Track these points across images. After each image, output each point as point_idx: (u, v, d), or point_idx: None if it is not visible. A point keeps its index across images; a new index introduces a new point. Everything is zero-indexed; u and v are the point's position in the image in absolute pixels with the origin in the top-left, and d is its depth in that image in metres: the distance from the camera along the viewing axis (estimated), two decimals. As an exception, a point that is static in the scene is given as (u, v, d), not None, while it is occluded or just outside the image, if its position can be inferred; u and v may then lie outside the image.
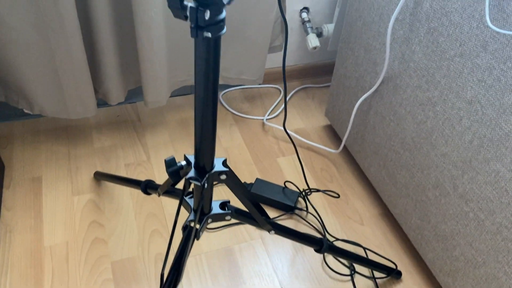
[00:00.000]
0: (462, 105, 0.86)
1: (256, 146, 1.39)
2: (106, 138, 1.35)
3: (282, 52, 1.50)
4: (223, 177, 0.72)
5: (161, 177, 1.26)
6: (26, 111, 1.23)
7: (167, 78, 1.26)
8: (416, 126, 1.00)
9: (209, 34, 0.52)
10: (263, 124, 1.47)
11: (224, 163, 0.72)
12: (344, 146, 1.32)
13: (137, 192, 1.20)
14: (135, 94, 1.43)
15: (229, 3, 0.49)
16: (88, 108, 1.22)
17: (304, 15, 1.46)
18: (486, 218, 0.85)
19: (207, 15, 0.50)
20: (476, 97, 0.82)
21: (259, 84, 1.52)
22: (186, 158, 0.72)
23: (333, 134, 1.45)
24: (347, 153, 1.36)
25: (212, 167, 0.71)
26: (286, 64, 1.61)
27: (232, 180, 0.73)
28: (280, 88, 1.61)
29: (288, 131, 1.16)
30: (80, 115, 1.22)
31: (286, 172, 1.31)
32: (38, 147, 1.30)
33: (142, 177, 1.25)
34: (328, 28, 1.47)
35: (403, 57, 0.99)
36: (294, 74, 1.64)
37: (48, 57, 1.10)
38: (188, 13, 0.50)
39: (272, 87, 1.62)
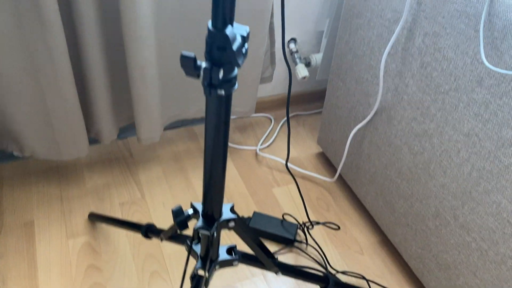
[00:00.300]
0: (460, 137, 0.87)
1: (251, 177, 1.38)
2: (99, 177, 1.33)
3: (271, 83, 1.51)
4: (232, 224, 0.71)
5: (156, 215, 1.24)
6: (16, 154, 1.20)
7: (160, 114, 1.25)
8: (412, 157, 1.01)
9: (223, 92, 0.52)
10: (256, 154, 1.47)
11: (232, 209, 0.72)
12: (339, 174, 1.32)
13: (134, 232, 1.17)
14: (126, 129, 1.42)
15: (243, 62, 0.49)
16: (81, 149, 1.20)
17: (292, 45, 1.48)
18: (489, 248, 0.86)
19: (221, 74, 0.50)
20: (473, 130, 0.84)
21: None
22: (193, 206, 0.71)
23: (326, 161, 1.46)
24: (342, 182, 1.37)
25: (220, 215, 0.70)
26: (276, 92, 1.62)
27: (240, 227, 0.72)
28: (271, 117, 1.62)
29: (288, 164, 1.16)
30: (73, 156, 1.20)
31: (283, 203, 1.31)
32: (28, 189, 1.27)
33: (138, 216, 1.23)
34: (316, 58, 1.49)
35: (396, 90, 1.01)
36: (284, 102, 1.65)
37: (39, 100, 1.08)
38: (201, 73, 0.50)
39: (263, 116, 1.62)
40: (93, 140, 1.28)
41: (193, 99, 1.33)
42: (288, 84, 1.60)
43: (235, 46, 0.47)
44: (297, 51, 1.48)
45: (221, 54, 0.49)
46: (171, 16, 1.11)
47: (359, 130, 1.18)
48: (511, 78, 0.74)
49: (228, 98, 0.55)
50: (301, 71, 1.45)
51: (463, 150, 0.87)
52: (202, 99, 1.35)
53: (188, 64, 0.49)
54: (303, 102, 1.68)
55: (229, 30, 0.46)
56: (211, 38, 0.48)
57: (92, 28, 1.03)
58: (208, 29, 0.48)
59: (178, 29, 1.14)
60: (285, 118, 1.62)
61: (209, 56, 0.50)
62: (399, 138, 1.04)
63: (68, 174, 1.32)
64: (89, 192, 1.28)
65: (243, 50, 0.49)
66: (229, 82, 0.52)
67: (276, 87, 1.59)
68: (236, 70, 0.52)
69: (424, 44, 0.91)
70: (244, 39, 0.49)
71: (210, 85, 0.51)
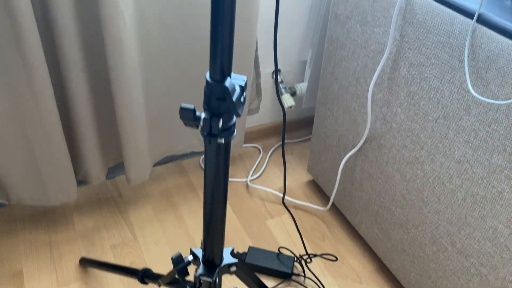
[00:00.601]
0: (451, 164, 0.88)
1: (244, 210, 1.37)
2: (88, 219, 1.29)
3: (258, 114, 1.52)
4: (233, 269, 0.70)
5: (150, 255, 1.21)
6: (1, 201, 1.17)
7: (148, 153, 1.24)
8: (405, 184, 1.02)
9: (222, 140, 0.51)
10: (247, 185, 1.46)
11: (233, 253, 0.70)
12: (332, 202, 1.32)
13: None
14: (113, 169, 1.39)
15: (242, 111, 0.49)
16: (69, 193, 1.17)
17: (277, 76, 1.49)
18: (488, 273, 0.86)
19: (220, 123, 0.50)
20: (464, 156, 0.85)
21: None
22: (192, 253, 0.70)
23: (317, 189, 1.46)
24: (335, 210, 1.36)
25: (221, 260, 0.69)
26: (263, 122, 1.63)
27: (242, 270, 0.71)
28: (259, 147, 1.62)
29: (284, 200, 1.16)
30: (61, 200, 1.17)
31: (277, 235, 1.30)
32: (15, 237, 1.23)
33: (131, 258, 1.20)
34: (301, 87, 1.50)
35: (385, 118, 1.03)
36: (271, 132, 1.65)
37: (25, 145, 1.06)
38: (201, 123, 0.50)
39: (251, 146, 1.62)
40: (81, 181, 1.26)
41: (181, 135, 1.32)
42: (275, 113, 1.61)
43: (234, 97, 0.47)
44: (281, 81, 1.49)
45: (220, 104, 0.49)
46: (158, 56, 1.11)
47: (350, 158, 1.18)
48: (498, 106, 0.76)
49: (227, 145, 0.55)
50: (287, 101, 1.46)
51: (455, 177, 0.88)
52: (190, 135, 1.34)
53: (188, 116, 0.49)
54: (290, 131, 1.69)
55: (228, 82, 0.46)
56: (209, 90, 0.48)
57: (78, 70, 1.02)
58: (207, 81, 0.48)
59: (165, 69, 1.14)
60: (274, 147, 1.62)
61: (207, 107, 0.50)
62: (390, 166, 1.05)
63: (56, 218, 1.29)
64: (79, 235, 1.25)
65: (242, 99, 0.49)
66: (228, 130, 0.52)
67: (262, 117, 1.60)
68: (234, 119, 0.52)
69: (409, 74, 0.93)
70: (243, 88, 0.49)
71: (210, 135, 0.51)
